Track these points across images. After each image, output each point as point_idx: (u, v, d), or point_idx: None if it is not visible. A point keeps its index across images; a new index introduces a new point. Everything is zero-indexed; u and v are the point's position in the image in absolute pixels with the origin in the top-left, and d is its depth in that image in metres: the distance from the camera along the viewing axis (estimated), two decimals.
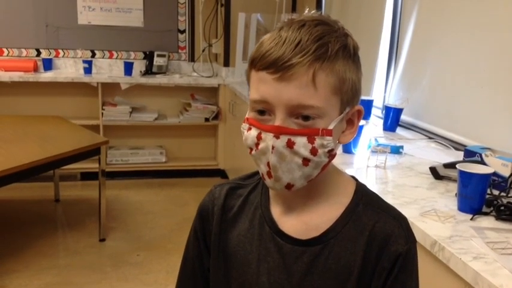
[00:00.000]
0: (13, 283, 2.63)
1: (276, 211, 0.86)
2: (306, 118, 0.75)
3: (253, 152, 0.79)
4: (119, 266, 2.88)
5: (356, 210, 0.83)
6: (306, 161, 0.76)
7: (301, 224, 0.83)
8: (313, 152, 0.76)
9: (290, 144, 0.75)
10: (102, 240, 3.15)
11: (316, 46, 0.73)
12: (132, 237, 3.25)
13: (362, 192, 0.85)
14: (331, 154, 0.79)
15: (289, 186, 0.79)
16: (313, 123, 0.75)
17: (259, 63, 0.76)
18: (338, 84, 0.76)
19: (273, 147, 0.75)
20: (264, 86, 0.75)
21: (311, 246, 0.82)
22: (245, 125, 0.80)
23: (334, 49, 0.75)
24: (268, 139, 0.76)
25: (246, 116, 0.80)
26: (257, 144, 0.77)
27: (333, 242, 0.81)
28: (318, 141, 0.76)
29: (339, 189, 0.85)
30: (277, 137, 0.75)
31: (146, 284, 2.71)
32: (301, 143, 0.75)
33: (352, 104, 0.80)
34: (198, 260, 0.94)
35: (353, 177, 0.89)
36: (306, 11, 0.80)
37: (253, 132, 0.78)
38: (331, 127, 0.77)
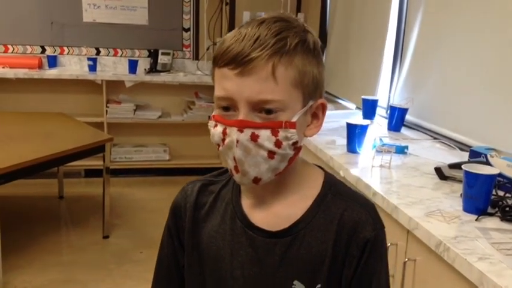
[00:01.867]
0: (17, 279, 2.64)
1: (246, 205, 0.87)
2: (269, 112, 0.77)
3: (220, 147, 0.80)
4: (122, 263, 2.88)
5: (325, 200, 0.85)
6: (271, 154, 0.78)
7: (272, 216, 0.85)
8: (278, 144, 0.78)
9: (254, 138, 0.77)
10: (105, 237, 3.16)
11: (274, 40, 0.76)
12: (136, 234, 3.25)
13: (330, 183, 0.87)
14: (296, 147, 0.80)
15: (256, 180, 0.80)
16: (276, 116, 0.77)
17: (220, 59, 0.78)
18: (298, 77, 0.78)
19: (237, 141, 0.77)
20: (226, 82, 0.77)
21: (282, 238, 0.83)
22: (212, 122, 0.82)
23: (292, 43, 0.77)
24: (233, 133, 0.77)
25: (213, 113, 0.82)
26: (223, 140, 0.79)
27: (303, 232, 0.83)
28: (281, 133, 0.77)
29: (308, 181, 0.87)
30: (241, 130, 0.77)
31: (149, 281, 2.69)
32: (265, 136, 0.77)
33: (315, 98, 0.82)
34: (173, 258, 0.95)
35: (321, 168, 0.90)
36: (269, 12, 0.83)
37: (219, 128, 0.79)
38: (294, 119, 0.78)
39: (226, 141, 0.78)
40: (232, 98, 0.77)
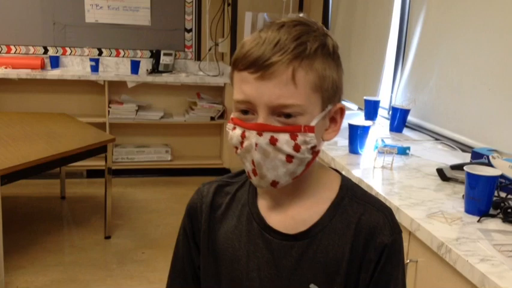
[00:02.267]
0: (19, 279, 2.65)
1: (263, 207, 0.87)
2: (288, 116, 0.77)
3: (239, 150, 0.80)
4: (124, 263, 2.89)
5: (342, 204, 0.85)
6: (289, 158, 0.78)
7: (289, 219, 0.85)
8: (296, 148, 0.78)
9: (273, 141, 0.77)
10: (107, 237, 3.17)
11: (294, 45, 0.75)
12: (137, 234, 3.26)
13: (347, 187, 0.87)
14: (314, 151, 0.80)
15: (274, 184, 0.80)
16: (295, 120, 0.77)
17: (240, 63, 0.78)
18: (318, 81, 0.78)
19: (256, 145, 0.77)
20: (245, 86, 0.77)
21: (299, 241, 0.83)
22: (230, 125, 0.82)
23: (312, 47, 0.77)
24: (252, 137, 0.77)
25: (231, 116, 0.82)
26: (241, 143, 0.79)
27: (320, 235, 0.83)
28: (300, 137, 0.77)
29: (324, 184, 0.87)
30: (260, 134, 0.77)
31: (151, 281, 2.72)
32: (284, 140, 0.77)
33: (334, 102, 0.82)
34: (188, 258, 0.95)
35: (338, 172, 0.90)
36: (290, 14, 0.82)
37: (238, 131, 0.79)
38: (313, 124, 0.78)
39: (245, 144, 0.78)
40: (251, 102, 0.77)
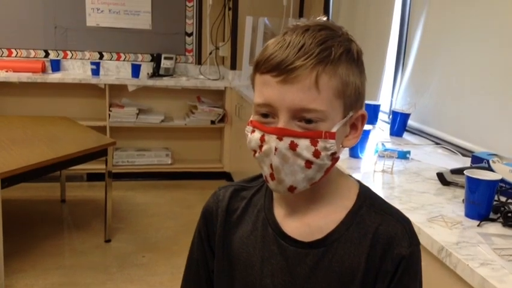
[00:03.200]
0: (19, 283, 2.65)
1: (279, 213, 0.87)
2: (309, 121, 0.76)
3: (257, 154, 0.79)
4: (124, 267, 2.89)
5: (359, 213, 0.83)
6: (308, 164, 0.77)
7: (305, 226, 0.84)
8: (316, 154, 0.76)
9: (293, 146, 0.76)
10: (107, 241, 3.17)
11: (319, 49, 0.74)
12: (138, 238, 3.26)
13: (365, 195, 0.86)
14: (334, 157, 0.79)
15: (291, 189, 0.79)
16: (316, 126, 0.76)
17: (263, 66, 0.77)
18: (341, 87, 0.77)
19: (276, 149, 0.76)
20: (267, 89, 0.76)
21: (314, 249, 0.82)
22: (249, 128, 0.81)
23: (337, 53, 0.75)
24: (272, 141, 0.76)
25: (250, 118, 0.81)
26: (260, 146, 0.78)
27: (336, 244, 0.82)
28: (320, 143, 0.76)
29: (342, 192, 0.85)
30: (280, 138, 0.76)
31: (151, 285, 2.72)
32: (304, 145, 0.76)
33: (356, 108, 0.81)
34: (202, 262, 0.94)
35: (357, 180, 0.89)
36: (312, 17, 0.81)
37: (257, 134, 0.78)
38: (334, 130, 0.77)
39: (264, 148, 0.77)
40: (272, 106, 0.76)
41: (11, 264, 2.71)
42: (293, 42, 0.75)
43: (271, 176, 0.79)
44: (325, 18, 0.81)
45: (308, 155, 0.76)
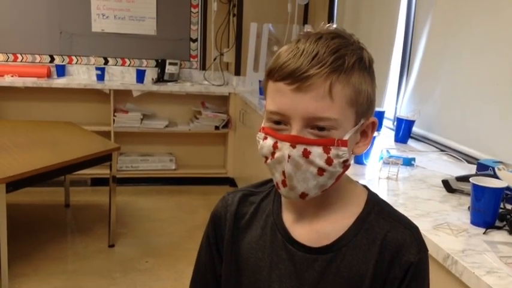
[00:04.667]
0: (22, 287, 2.65)
1: (287, 219, 0.87)
2: (321, 129, 0.76)
3: (269, 160, 0.80)
4: (127, 272, 2.88)
5: (368, 219, 0.84)
6: (321, 171, 0.77)
7: (313, 232, 0.84)
8: (329, 162, 0.77)
9: (306, 154, 0.76)
10: (111, 246, 3.17)
11: (333, 58, 0.75)
12: (141, 243, 3.26)
13: (374, 202, 0.86)
14: (345, 165, 0.80)
15: (303, 196, 0.80)
16: (328, 134, 0.77)
17: (276, 74, 0.77)
18: (354, 96, 0.77)
19: (289, 156, 0.76)
20: (280, 97, 0.77)
21: (323, 254, 0.83)
22: (261, 134, 0.81)
23: (350, 61, 0.76)
24: (285, 148, 0.77)
25: (262, 125, 0.81)
26: (273, 153, 0.78)
27: (344, 250, 0.82)
28: (333, 151, 0.77)
29: (351, 198, 0.86)
30: (293, 146, 0.76)
31: None
32: (317, 153, 0.76)
33: (367, 116, 0.82)
34: (210, 266, 0.94)
35: (365, 187, 0.90)
36: (322, 24, 0.82)
37: (269, 141, 0.79)
38: (346, 138, 0.78)
39: (277, 155, 0.78)
40: (285, 113, 0.76)
41: (14, 268, 2.71)
42: (307, 50, 0.75)
43: (283, 182, 0.79)
44: (334, 26, 0.82)
45: (321, 162, 0.77)
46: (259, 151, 0.81)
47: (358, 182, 0.91)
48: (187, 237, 3.34)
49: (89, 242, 3.23)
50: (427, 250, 0.84)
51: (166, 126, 4.32)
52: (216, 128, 4.34)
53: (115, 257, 3.07)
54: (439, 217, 1.47)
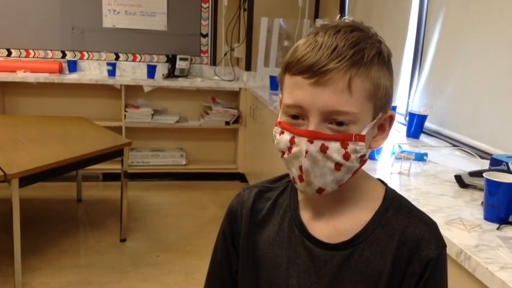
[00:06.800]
0: (35, 280, 2.68)
1: (305, 215, 0.87)
2: (340, 124, 0.75)
3: (286, 155, 0.79)
4: (139, 266, 2.90)
5: (386, 215, 0.83)
6: (338, 166, 0.77)
7: (331, 228, 0.84)
8: (346, 157, 0.76)
9: (323, 149, 0.75)
10: (122, 240, 3.19)
11: (352, 52, 0.74)
12: (152, 238, 3.27)
13: (391, 197, 0.85)
14: (362, 159, 0.79)
15: (320, 191, 0.79)
16: (347, 128, 0.76)
17: (294, 67, 0.76)
18: (373, 90, 0.77)
19: (306, 152, 0.76)
20: (298, 91, 0.76)
21: (340, 251, 0.82)
22: (277, 129, 0.80)
23: (370, 55, 0.75)
24: (302, 143, 0.76)
25: (278, 119, 0.81)
26: (290, 148, 0.78)
27: (362, 246, 0.82)
28: (351, 146, 0.76)
29: (368, 193, 0.85)
30: (311, 141, 0.75)
31: (166, 284, 2.73)
32: (335, 148, 0.76)
33: (385, 110, 0.81)
34: (226, 262, 0.94)
35: (382, 182, 0.89)
36: (338, 17, 0.81)
37: (286, 136, 0.78)
38: (364, 132, 0.77)
39: (294, 150, 0.77)
40: (303, 107, 0.75)
41: (27, 262, 2.74)
42: (325, 43, 0.74)
43: (300, 177, 0.78)
44: (351, 18, 0.81)
45: (338, 157, 0.76)
46: (276, 146, 0.81)
47: (374, 177, 0.90)
48: (197, 232, 3.35)
49: (101, 236, 3.25)
50: (445, 246, 0.83)
51: (177, 121, 4.33)
52: (227, 123, 4.34)
53: (126, 251, 3.09)
54: (452, 212, 1.46)
